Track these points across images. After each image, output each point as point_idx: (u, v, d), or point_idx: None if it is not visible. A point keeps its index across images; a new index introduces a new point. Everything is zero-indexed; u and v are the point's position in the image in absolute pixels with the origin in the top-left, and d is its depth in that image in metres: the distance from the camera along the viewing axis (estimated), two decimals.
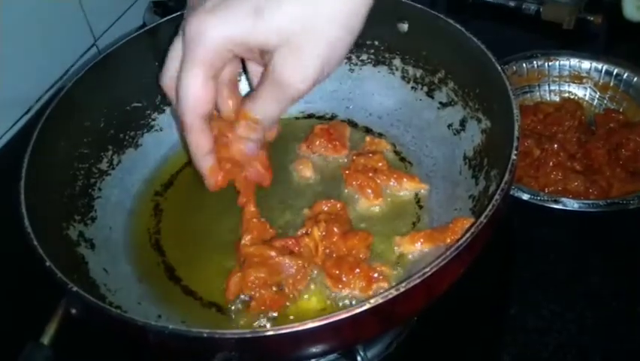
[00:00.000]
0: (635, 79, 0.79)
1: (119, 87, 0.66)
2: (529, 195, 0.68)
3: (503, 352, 0.61)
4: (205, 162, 0.50)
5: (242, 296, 0.53)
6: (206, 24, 0.43)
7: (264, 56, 0.45)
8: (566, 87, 0.83)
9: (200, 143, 0.48)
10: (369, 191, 0.61)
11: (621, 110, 0.80)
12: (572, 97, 0.83)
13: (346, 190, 0.63)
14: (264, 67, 0.46)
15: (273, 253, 0.54)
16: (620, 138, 0.74)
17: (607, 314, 0.63)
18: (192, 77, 0.45)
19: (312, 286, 0.55)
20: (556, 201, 0.67)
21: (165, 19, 0.67)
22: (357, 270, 0.53)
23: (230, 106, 0.51)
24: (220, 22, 0.43)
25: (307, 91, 0.45)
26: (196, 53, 0.44)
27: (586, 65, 0.82)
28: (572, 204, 0.67)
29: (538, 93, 0.84)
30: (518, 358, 0.60)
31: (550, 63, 0.83)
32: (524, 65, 0.84)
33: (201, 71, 0.44)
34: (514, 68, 0.83)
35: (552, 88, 0.83)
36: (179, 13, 0.67)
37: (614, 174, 0.73)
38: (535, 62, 0.84)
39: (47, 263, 0.46)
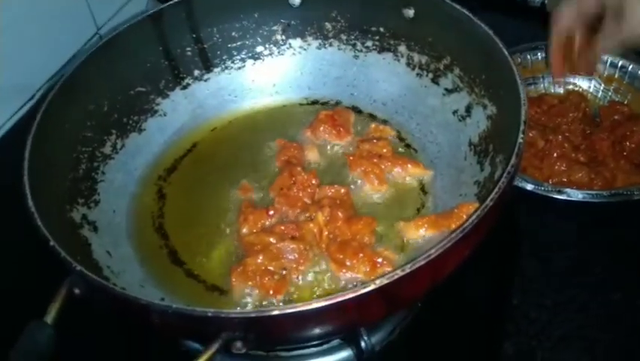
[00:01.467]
0: None
1: (122, 71, 0.66)
2: (533, 186, 0.67)
3: (506, 341, 0.61)
4: (555, 59, 0.72)
5: (246, 290, 0.53)
6: None
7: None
8: (570, 79, 0.83)
9: (555, 49, 0.71)
10: (374, 177, 0.61)
11: (626, 102, 0.79)
12: (576, 89, 0.82)
13: (351, 176, 0.62)
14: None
15: (272, 240, 0.54)
16: (624, 130, 0.74)
17: (610, 305, 0.62)
18: (567, 6, 0.68)
19: (316, 271, 0.55)
20: (560, 192, 0.67)
21: (168, 4, 0.67)
22: (361, 254, 0.53)
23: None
24: None
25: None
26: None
27: None
28: (575, 195, 0.66)
29: (542, 85, 0.83)
30: (521, 347, 0.60)
31: None
32: (528, 56, 0.83)
33: (573, 7, 0.67)
34: (519, 59, 0.83)
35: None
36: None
37: (618, 166, 0.72)
38: (539, 54, 0.83)
39: (51, 243, 0.46)
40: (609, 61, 0.81)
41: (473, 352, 0.62)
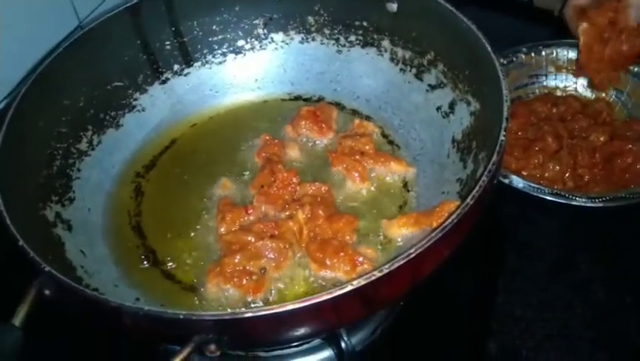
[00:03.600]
0: None
1: (99, 66, 0.64)
2: (518, 184, 0.67)
3: (490, 340, 0.60)
4: (577, 28, 0.76)
5: (224, 290, 0.52)
6: None
7: None
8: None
9: (570, 16, 0.77)
10: (356, 174, 0.60)
11: None
12: (606, 98, 0.79)
13: (332, 173, 0.61)
14: None
15: (251, 238, 0.53)
16: (620, 148, 0.72)
17: (595, 304, 0.62)
18: None
19: (296, 270, 0.54)
20: (546, 193, 0.66)
21: None
22: (342, 253, 0.52)
23: None
24: None
25: None
26: None
27: None
28: (553, 195, 0.66)
29: (552, 82, 0.82)
30: (505, 346, 0.60)
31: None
32: (544, 52, 0.81)
33: None
34: (532, 54, 0.81)
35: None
36: None
37: (597, 181, 0.72)
38: (554, 51, 0.82)
39: (20, 242, 0.45)
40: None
41: (457, 351, 0.61)
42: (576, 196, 0.65)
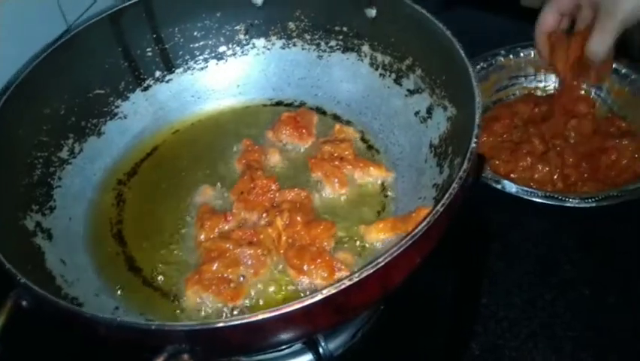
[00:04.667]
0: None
1: (80, 73, 0.64)
2: (502, 186, 0.67)
3: (472, 341, 0.60)
4: (550, 60, 0.76)
5: (202, 298, 0.52)
6: None
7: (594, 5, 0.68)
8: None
9: (542, 46, 0.76)
10: (335, 180, 0.60)
11: (628, 118, 0.76)
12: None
13: (312, 179, 0.62)
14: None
15: (229, 245, 0.53)
16: (603, 144, 0.72)
17: (578, 303, 0.63)
18: (547, 9, 0.73)
19: (275, 277, 0.54)
20: (540, 195, 0.66)
21: (127, 3, 0.66)
22: (319, 260, 0.52)
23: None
24: None
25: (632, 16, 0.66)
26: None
27: None
28: (547, 197, 0.66)
29: (533, 83, 0.82)
30: (487, 347, 0.60)
31: None
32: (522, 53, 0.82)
33: (554, 7, 0.72)
34: (510, 56, 0.81)
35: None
36: None
37: (583, 180, 0.72)
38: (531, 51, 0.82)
39: None
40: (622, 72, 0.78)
41: (438, 353, 0.61)
42: (569, 197, 0.65)
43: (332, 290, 0.40)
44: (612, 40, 0.68)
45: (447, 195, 0.43)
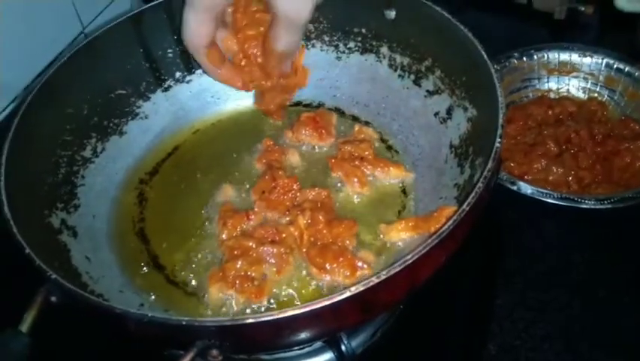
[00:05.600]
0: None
1: (102, 74, 0.65)
2: (518, 187, 0.68)
3: (489, 342, 0.61)
4: (220, 75, 0.63)
5: (226, 295, 0.53)
6: None
7: None
8: (595, 87, 0.81)
9: (207, 65, 0.61)
10: (355, 180, 0.61)
11: None
12: (599, 97, 0.80)
13: (332, 178, 0.62)
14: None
15: (252, 244, 0.54)
16: (617, 145, 0.73)
17: (594, 304, 0.63)
18: (193, 19, 0.57)
19: (297, 275, 0.54)
20: (555, 197, 0.67)
21: (149, 5, 0.66)
22: (341, 259, 0.53)
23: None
24: None
25: (310, 16, 0.55)
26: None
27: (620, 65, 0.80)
28: (562, 199, 0.66)
29: (546, 85, 0.83)
30: (504, 347, 0.60)
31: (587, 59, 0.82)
32: (535, 56, 0.82)
33: (201, 12, 0.56)
34: (524, 58, 0.82)
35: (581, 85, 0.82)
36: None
37: (597, 181, 0.72)
38: (545, 54, 0.83)
39: (27, 250, 0.46)
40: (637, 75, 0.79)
41: (456, 352, 0.62)
42: (585, 199, 0.66)
43: (360, 288, 0.40)
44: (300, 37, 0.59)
45: (472, 195, 0.44)
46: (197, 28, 0.57)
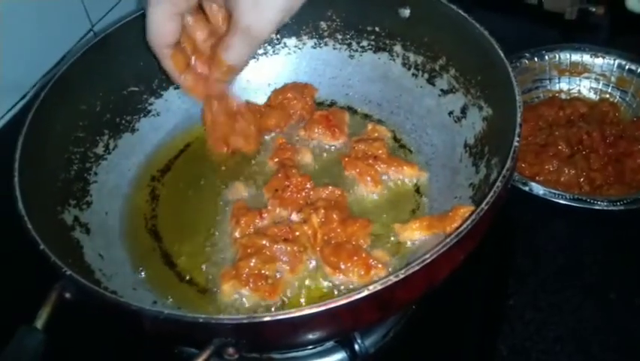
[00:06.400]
0: None
1: (115, 71, 0.65)
2: (530, 187, 0.67)
3: (501, 343, 0.61)
4: (184, 81, 0.59)
5: (239, 293, 0.53)
6: None
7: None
8: (606, 88, 0.81)
9: (171, 68, 0.58)
10: (369, 178, 0.60)
11: None
12: (611, 99, 0.80)
13: (345, 177, 0.62)
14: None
15: (265, 242, 0.53)
16: (630, 147, 0.73)
17: (605, 306, 0.63)
18: (158, 14, 0.53)
19: (311, 274, 0.54)
20: (568, 198, 0.66)
21: None
22: (356, 258, 0.53)
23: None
24: None
25: (271, 34, 0.53)
26: None
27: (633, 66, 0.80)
28: (575, 200, 0.66)
29: (557, 86, 0.83)
30: (515, 349, 0.60)
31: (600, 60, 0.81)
32: (547, 57, 0.82)
33: (166, 8, 0.53)
34: (535, 59, 0.82)
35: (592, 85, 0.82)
36: None
37: (609, 183, 0.72)
38: (556, 55, 0.82)
39: (41, 246, 0.46)
40: None
41: (467, 353, 0.62)
42: (597, 200, 0.65)
43: (378, 286, 0.40)
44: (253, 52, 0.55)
45: (491, 194, 0.43)
46: (162, 24, 0.54)
